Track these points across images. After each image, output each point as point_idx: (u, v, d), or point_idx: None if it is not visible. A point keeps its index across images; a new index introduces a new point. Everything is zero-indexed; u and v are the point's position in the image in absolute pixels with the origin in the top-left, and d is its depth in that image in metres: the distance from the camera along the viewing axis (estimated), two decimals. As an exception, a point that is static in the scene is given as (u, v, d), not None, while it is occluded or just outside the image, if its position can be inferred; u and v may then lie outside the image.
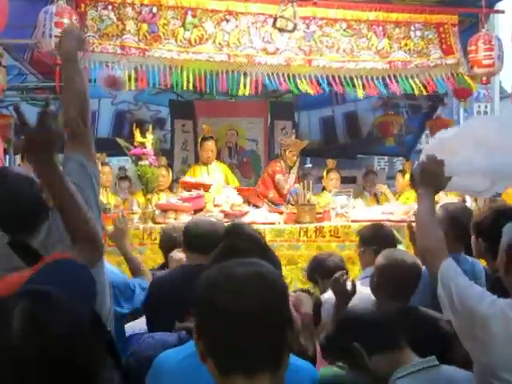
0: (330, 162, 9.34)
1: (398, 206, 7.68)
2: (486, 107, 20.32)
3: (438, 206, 4.42)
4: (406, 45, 7.91)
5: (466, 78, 8.00)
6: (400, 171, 10.04)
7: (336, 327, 2.73)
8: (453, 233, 3.85)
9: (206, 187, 7.55)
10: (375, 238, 4.59)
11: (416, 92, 8.02)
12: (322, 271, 4.79)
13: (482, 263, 4.02)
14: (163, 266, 4.75)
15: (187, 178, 7.86)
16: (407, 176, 9.51)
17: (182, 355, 2.11)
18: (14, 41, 7.64)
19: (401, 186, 9.64)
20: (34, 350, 1.23)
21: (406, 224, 7.01)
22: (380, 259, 3.52)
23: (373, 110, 11.67)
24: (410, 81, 7.90)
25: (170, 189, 8.92)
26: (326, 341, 2.82)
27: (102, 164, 9.04)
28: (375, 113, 11.65)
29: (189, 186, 7.46)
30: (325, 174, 9.30)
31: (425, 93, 8.19)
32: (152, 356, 2.23)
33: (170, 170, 8.99)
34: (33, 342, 1.23)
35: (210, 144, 8.82)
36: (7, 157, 9.07)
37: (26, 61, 8.97)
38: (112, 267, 3.71)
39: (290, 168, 8.60)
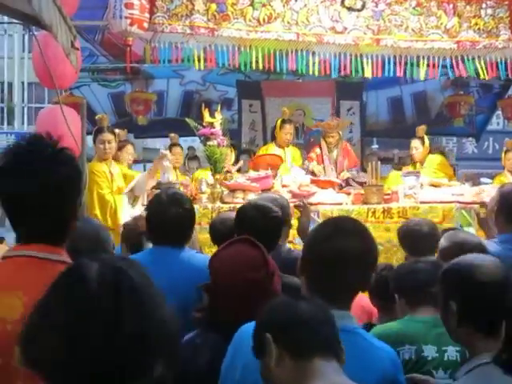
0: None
1: (468, 188, 7.54)
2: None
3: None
4: (476, 24, 7.68)
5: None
6: (418, 138, 9.01)
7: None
8: (503, 212, 4.06)
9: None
10: None
11: (481, 75, 7.79)
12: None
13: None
14: None
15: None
16: (427, 142, 9.10)
17: None
18: (85, 22, 7.76)
19: (420, 154, 8.98)
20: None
21: (474, 209, 6.94)
22: (443, 241, 3.62)
23: (442, 89, 11.48)
24: (477, 62, 7.67)
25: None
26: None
27: (174, 144, 9.20)
28: (444, 93, 11.46)
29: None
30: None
31: (487, 78, 7.94)
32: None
33: (233, 149, 9.02)
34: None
35: (289, 127, 8.90)
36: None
37: (96, 42, 9.14)
38: None
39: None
